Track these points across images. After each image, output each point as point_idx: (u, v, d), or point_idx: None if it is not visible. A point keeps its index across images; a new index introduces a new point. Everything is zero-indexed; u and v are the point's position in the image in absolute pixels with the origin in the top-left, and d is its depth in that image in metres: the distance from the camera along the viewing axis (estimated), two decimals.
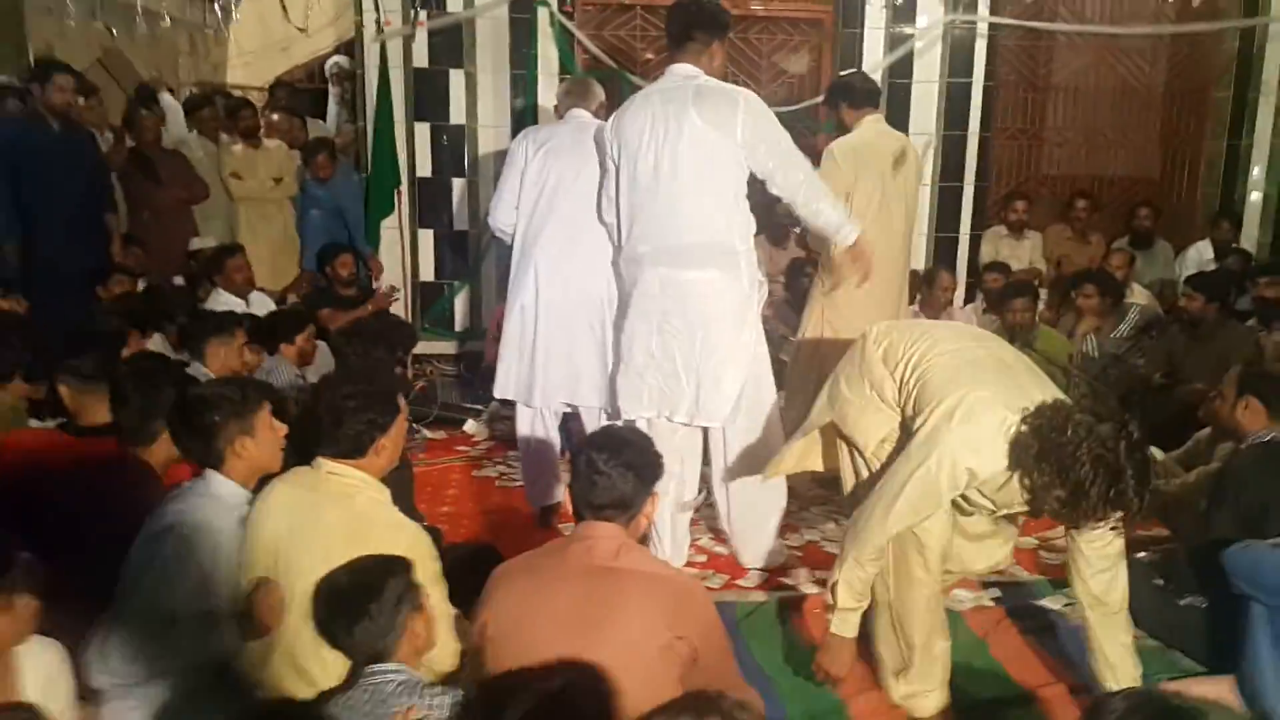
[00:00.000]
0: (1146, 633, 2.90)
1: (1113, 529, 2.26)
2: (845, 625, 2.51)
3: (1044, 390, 2.32)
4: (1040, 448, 2.12)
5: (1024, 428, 2.17)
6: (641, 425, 3.18)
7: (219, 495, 2.25)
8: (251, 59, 8.78)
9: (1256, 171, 6.24)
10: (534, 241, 3.56)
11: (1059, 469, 2.09)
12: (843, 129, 4.00)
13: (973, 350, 2.50)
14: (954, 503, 2.42)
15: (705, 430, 3.33)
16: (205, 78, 8.58)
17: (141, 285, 4.66)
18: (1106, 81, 6.43)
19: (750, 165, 3.13)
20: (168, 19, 6.37)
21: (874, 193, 3.82)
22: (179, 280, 5.13)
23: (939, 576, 2.58)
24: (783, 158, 3.13)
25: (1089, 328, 4.99)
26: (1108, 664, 2.43)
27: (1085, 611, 2.43)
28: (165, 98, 6.41)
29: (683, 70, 3.19)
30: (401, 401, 2.32)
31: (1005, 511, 2.44)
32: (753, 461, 3.26)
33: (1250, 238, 6.27)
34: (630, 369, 3.26)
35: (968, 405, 2.26)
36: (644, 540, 2.25)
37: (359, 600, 1.94)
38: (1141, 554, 3.26)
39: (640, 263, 3.22)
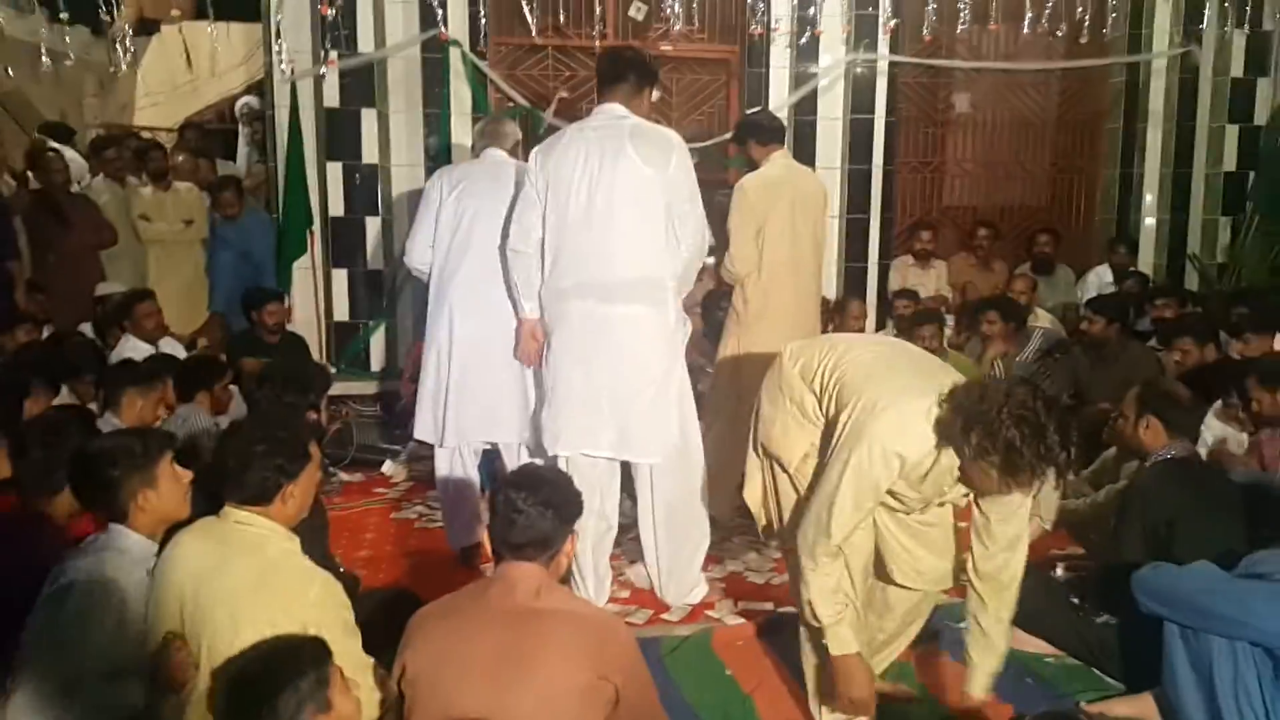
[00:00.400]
0: (1067, 652, 2.97)
1: (1018, 509, 2.35)
2: (842, 642, 2.40)
3: (954, 378, 2.39)
4: (965, 420, 2.17)
5: (945, 406, 2.24)
6: (561, 462, 3.19)
7: (123, 549, 2.19)
8: (160, 100, 8.60)
9: (1149, 198, 6.58)
10: (449, 279, 3.56)
11: (987, 434, 2.13)
12: (751, 165, 4.10)
13: (885, 351, 2.62)
14: (884, 503, 2.46)
15: (624, 464, 3.35)
16: (112, 119, 8.38)
17: (46, 333, 4.51)
18: (1003, 115, 6.73)
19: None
20: (72, 58, 6.20)
21: (785, 225, 3.92)
22: (85, 326, 4.97)
23: (862, 591, 2.60)
24: (694, 205, 3.24)
25: (996, 353, 5.16)
26: (982, 635, 2.47)
27: (975, 584, 2.47)
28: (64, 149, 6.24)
29: (613, 110, 3.25)
30: (313, 448, 2.29)
31: (936, 501, 2.49)
32: (681, 495, 3.29)
33: (1146, 261, 6.60)
34: (553, 404, 3.27)
35: (888, 395, 2.33)
36: (566, 578, 2.26)
37: (259, 698, 1.77)
38: (1058, 572, 3.36)
39: (565, 296, 3.23)
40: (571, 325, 3.22)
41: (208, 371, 4.03)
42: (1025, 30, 6.05)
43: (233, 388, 4.34)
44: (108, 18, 5.58)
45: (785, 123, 4.75)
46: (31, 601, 2.13)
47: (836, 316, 5.48)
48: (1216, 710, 2.39)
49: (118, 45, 6.18)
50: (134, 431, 2.56)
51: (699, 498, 3.37)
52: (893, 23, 5.96)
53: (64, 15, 4.72)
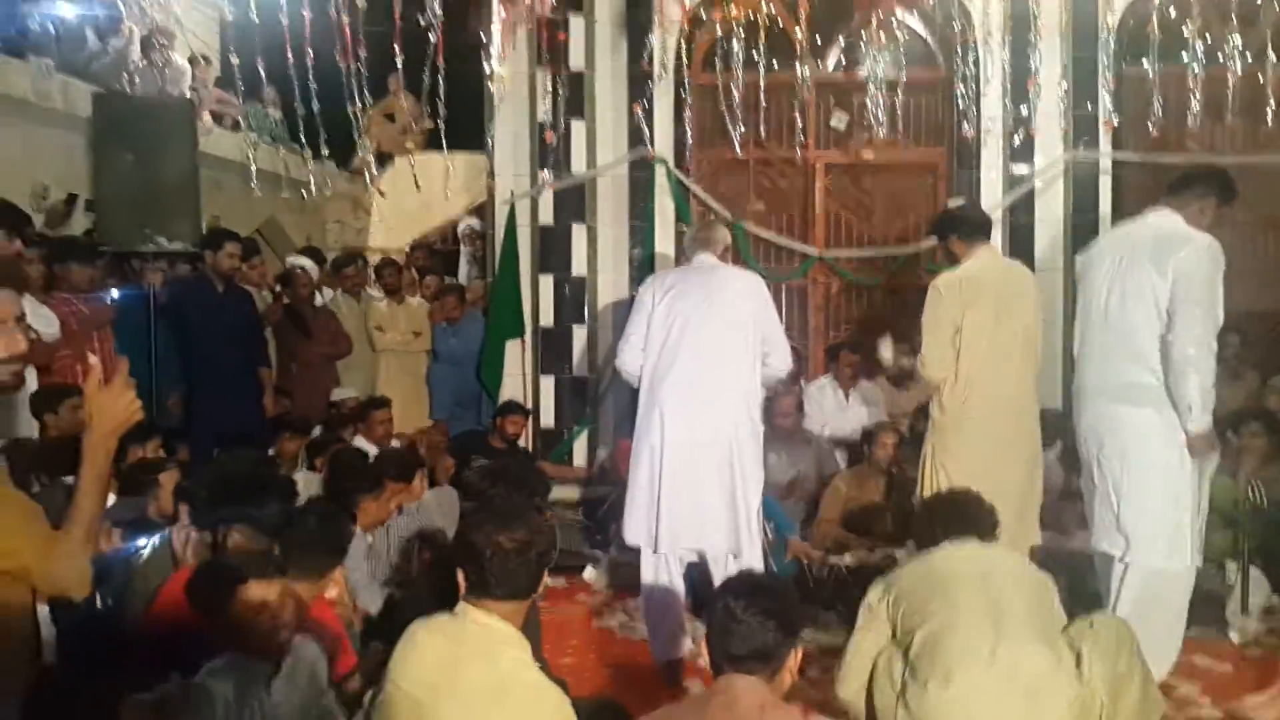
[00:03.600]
0: None
1: None
2: None
3: None
4: None
5: None
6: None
7: None
8: (392, 224, 9.43)
9: None
10: (660, 383, 3.58)
11: None
12: (954, 262, 3.84)
13: None
14: None
15: None
16: (350, 242, 9.24)
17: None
18: (1243, 213, 6.21)
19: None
20: (315, 190, 6.94)
21: (984, 325, 3.63)
22: (319, 430, 5.37)
23: None
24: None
25: (1252, 469, 4.62)
26: None
27: None
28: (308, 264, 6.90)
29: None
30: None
31: None
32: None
33: None
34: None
35: None
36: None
37: None
38: None
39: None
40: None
41: (402, 466, 4.08)
42: (1268, 123, 5.62)
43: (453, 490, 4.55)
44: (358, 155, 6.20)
45: (990, 218, 4.46)
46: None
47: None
48: None
49: (363, 175, 6.87)
50: None
51: None
52: (1115, 119, 5.70)
53: (315, 150, 5.32)
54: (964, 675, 2.35)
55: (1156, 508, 3.35)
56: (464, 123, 5.99)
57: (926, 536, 2.75)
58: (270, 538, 2.74)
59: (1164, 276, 3.31)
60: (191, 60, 7.76)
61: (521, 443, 5.74)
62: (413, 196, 8.82)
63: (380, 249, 9.04)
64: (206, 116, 7.61)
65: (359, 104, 5.11)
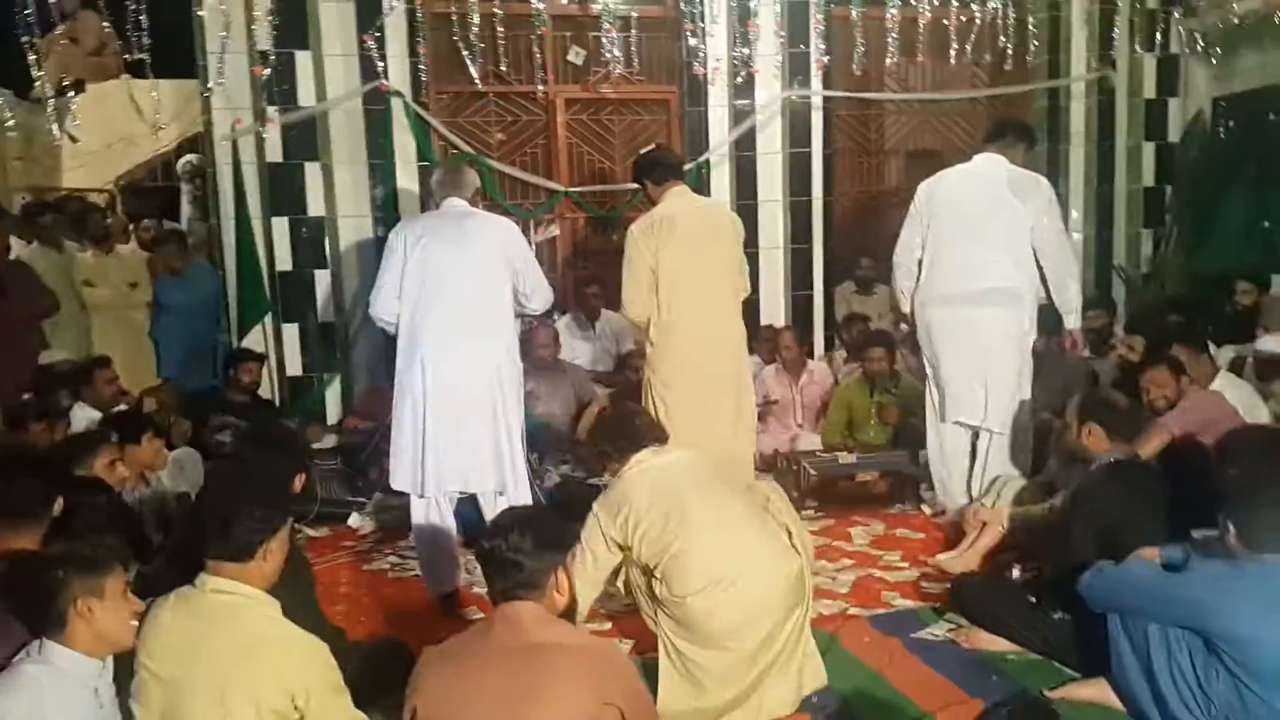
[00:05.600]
0: (1027, 648, 3.15)
1: None
2: None
3: None
4: None
5: None
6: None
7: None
8: (89, 160, 8.46)
9: (1075, 214, 6.87)
10: (420, 330, 3.56)
11: None
12: (653, 204, 4.00)
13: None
14: None
15: None
16: (39, 182, 8.21)
17: None
18: (933, 144, 7.00)
19: None
20: None
21: (681, 261, 3.83)
22: (27, 396, 4.85)
23: None
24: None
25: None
26: None
27: None
28: None
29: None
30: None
31: None
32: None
33: None
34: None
35: None
36: (570, 614, 2.29)
37: None
38: (1014, 574, 3.50)
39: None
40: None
41: (131, 428, 3.80)
42: (951, 62, 6.34)
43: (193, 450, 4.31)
44: (38, 84, 5.51)
45: (682, 158, 4.71)
46: None
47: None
48: (1157, 687, 2.61)
49: (47, 108, 6.11)
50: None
51: None
52: (825, 59, 6.19)
53: None
54: (712, 581, 2.72)
55: (1014, 384, 4.27)
56: (170, 47, 5.50)
57: (619, 452, 3.03)
58: None
59: (1027, 206, 4.18)
60: None
61: (264, 393, 5.50)
62: (112, 129, 7.99)
63: (79, 190, 8.13)
64: None
65: (35, 28, 4.54)
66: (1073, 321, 4.36)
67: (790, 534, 2.99)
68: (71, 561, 2.10)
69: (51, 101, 6.12)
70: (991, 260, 4.20)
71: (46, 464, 3.18)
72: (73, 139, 7.11)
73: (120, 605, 2.10)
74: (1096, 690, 2.84)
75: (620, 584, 3.06)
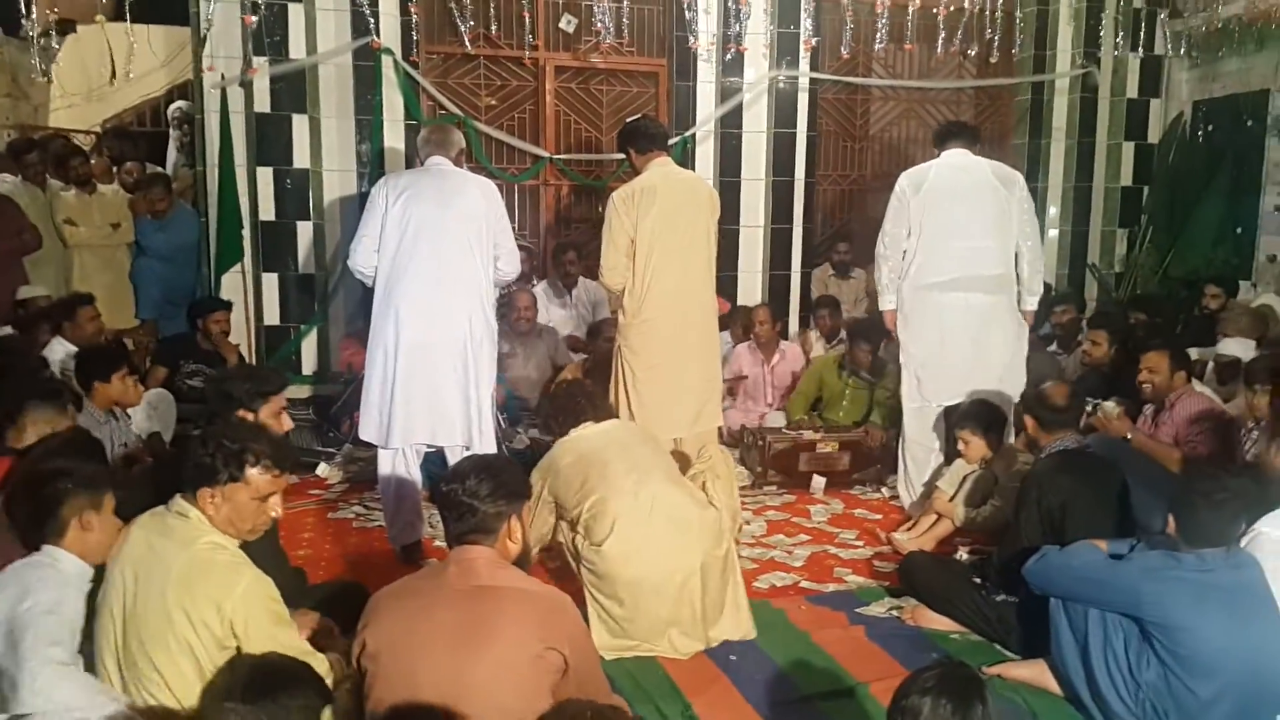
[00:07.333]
0: (970, 629, 3.24)
1: None
2: None
3: None
4: None
5: None
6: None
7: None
8: (76, 101, 8.41)
9: (1052, 210, 6.98)
10: (396, 284, 3.62)
11: None
12: (637, 174, 4.03)
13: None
14: None
15: None
16: (24, 119, 8.15)
17: None
18: (917, 131, 7.07)
19: None
20: None
21: (659, 232, 3.88)
22: (8, 330, 4.88)
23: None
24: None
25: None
26: None
27: None
28: None
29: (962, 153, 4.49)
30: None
31: None
32: None
33: (1050, 271, 6.98)
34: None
35: None
36: (524, 562, 2.37)
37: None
38: (961, 556, 3.62)
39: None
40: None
41: (103, 363, 3.86)
42: (939, 50, 6.40)
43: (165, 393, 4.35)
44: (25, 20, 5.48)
45: (665, 129, 4.61)
46: None
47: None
48: (1091, 670, 2.69)
49: (34, 46, 6.07)
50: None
51: None
52: (813, 41, 6.23)
53: None
54: (626, 527, 3.01)
55: (1009, 362, 4.41)
56: None
57: (560, 424, 3.40)
58: None
59: (1012, 196, 4.36)
60: None
61: (234, 340, 5.51)
62: (102, 71, 7.94)
63: (64, 130, 8.08)
64: None
65: None
66: (1031, 304, 4.50)
67: (704, 487, 3.28)
68: (75, 476, 2.39)
69: (39, 40, 6.07)
70: (985, 247, 4.32)
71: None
72: (47, 78, 7.09)
73: (111, 521, 2.39)
74: (1033, 671, 2.91)
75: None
